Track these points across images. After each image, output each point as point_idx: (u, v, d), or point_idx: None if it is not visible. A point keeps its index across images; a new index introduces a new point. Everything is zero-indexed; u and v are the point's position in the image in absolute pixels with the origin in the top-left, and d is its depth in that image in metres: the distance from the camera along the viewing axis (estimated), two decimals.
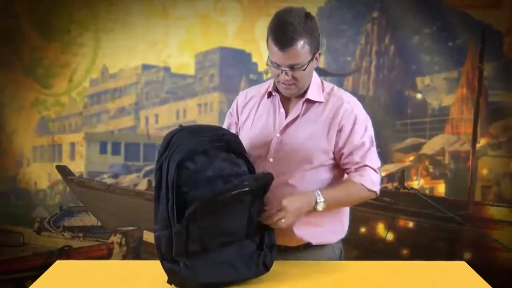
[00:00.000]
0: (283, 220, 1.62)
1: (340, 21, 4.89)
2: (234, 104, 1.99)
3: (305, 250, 1.86)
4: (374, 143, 1.85)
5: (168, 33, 5.06)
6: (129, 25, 5.04)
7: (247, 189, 1.50)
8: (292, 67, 1.70)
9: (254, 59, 5.11)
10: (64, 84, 5.18)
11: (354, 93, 1.97)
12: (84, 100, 5.34)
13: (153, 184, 5.06)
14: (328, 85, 1.88)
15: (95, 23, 5.07)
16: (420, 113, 4.80)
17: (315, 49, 1.73)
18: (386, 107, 4.82)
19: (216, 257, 1.50)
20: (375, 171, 1.82)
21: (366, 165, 1.80)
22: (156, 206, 1.51)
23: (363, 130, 1.82)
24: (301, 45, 1.66)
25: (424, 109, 4.83)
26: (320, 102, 1.82)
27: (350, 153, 1.80)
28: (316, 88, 1.84)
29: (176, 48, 5.12)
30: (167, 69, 5.31)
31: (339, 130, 1.80)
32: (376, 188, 1.82)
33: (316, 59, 1.77)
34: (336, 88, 1.88)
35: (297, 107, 1.83)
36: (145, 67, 5.35)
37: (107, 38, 5.08)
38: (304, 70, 1.71)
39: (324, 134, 1.80)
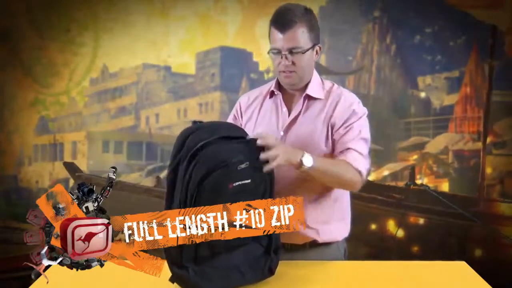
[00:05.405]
0: (276, 158, 1.51)
1: (341, 21, 4.88)
2: (237, 106, 2.00)
3: (311, 248, 1.85)
4: (368, 142, 1.81)
5: (168, 33, 5.04)
6: (129, 24, 5.02)
7: (249, 180, 1.46)
8: (291, 51, 1.74)
9: (255, 59, 5.10)
10: (63, 84, 5.16)
11: (355, 92, 1.95)
12: (84, 100, 5.32)
13: (161, 181, 5.04)
14: (327, 83, 1.90)
15: (95, 22, 5.05)
16: (424, 112, 4.80)
17: (314, 40, 1.77)
18: (390, 106, 4.82)
19: (224, 261, 1.47)
20: (360, 154, 1.76)
21: (349, 148, 1.76)
22: (167, 208, 1.44)
23: (358, 130, 1.79)
24: (300, 30, 1.73)
25: (428, 107, 4.83)
26: (320, 99, 1.84)
27: (340, 140, 1.79)
28: (317, 85, 1.85)
29: (176, 48, 5.11)
30: (167, 68, 5.29)
31: (337, 126, 1.80)
32: (362, 168, 1.74)
33: (317, 52, 1.81)
34: (336, 86, 1.90)
35: (298, 105, 1.84)
36: (146, 66, 5.33)
37: (107, 38, 5.06)
38: (303, 53, 1.74)
39: (324, 131, 1.80)
